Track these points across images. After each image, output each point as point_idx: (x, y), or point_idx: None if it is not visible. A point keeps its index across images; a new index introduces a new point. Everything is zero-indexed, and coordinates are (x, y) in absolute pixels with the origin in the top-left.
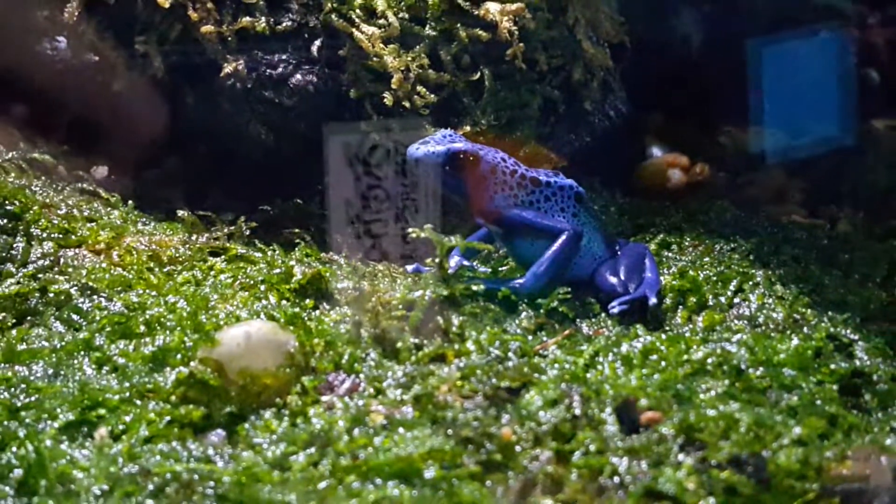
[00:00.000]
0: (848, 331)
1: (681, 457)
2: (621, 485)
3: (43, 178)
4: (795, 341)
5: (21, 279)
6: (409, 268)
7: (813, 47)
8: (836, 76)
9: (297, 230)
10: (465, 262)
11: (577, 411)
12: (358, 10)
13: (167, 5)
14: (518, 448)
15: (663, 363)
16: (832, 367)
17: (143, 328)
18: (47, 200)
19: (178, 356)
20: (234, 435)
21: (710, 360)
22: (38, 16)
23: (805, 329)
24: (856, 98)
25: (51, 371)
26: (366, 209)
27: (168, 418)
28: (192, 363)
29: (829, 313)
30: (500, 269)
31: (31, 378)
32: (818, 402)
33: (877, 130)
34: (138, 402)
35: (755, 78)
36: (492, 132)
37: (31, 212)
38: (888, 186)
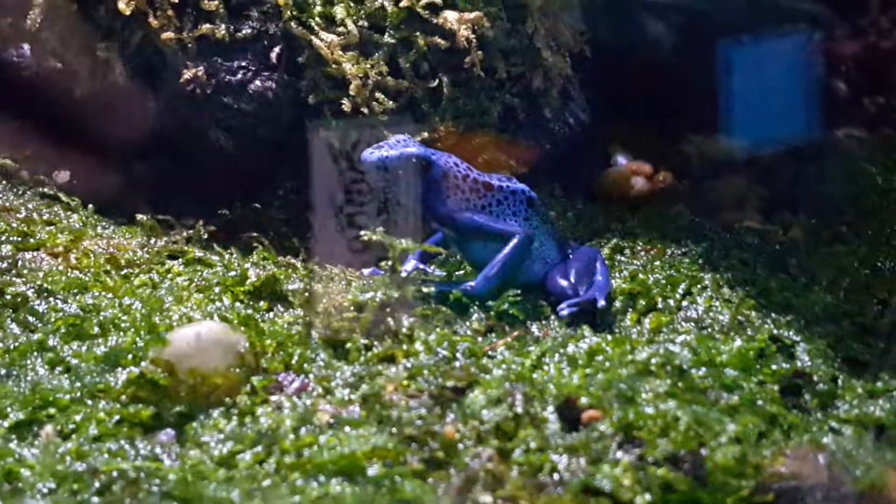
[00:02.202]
0: (791, 332)
1: (619, 454)
2: (560, 481)
3: (4, 182)
4: (738, 342)
5: None
6: (366, 271)
7: (776, 56)
8: (799, 85)
9: (255, 234)
10: (421, 266)
11: (520, 410)
12: (317, 18)
13: (128, 13)
14: (461, 446)
15: (607, 363)
16: (774, 367)
17: (96, 329)
18: (7, 204)
19: (130, 357)
20: (183, 434)
21: (653, 361)
22: (3, 23)
23: (749, 331)
24: (819, 107)
25: (3, 371)
26: (349, 203)
27: (117, 418)
28: (142, 363)
29: (774, 316)
30: (456, 272)
31: None
32: (759, 401)
33: (837, 139)
34: (89, 402)
35: (718, 87)
36: (451, 139)
37: None
38: (842, 193)
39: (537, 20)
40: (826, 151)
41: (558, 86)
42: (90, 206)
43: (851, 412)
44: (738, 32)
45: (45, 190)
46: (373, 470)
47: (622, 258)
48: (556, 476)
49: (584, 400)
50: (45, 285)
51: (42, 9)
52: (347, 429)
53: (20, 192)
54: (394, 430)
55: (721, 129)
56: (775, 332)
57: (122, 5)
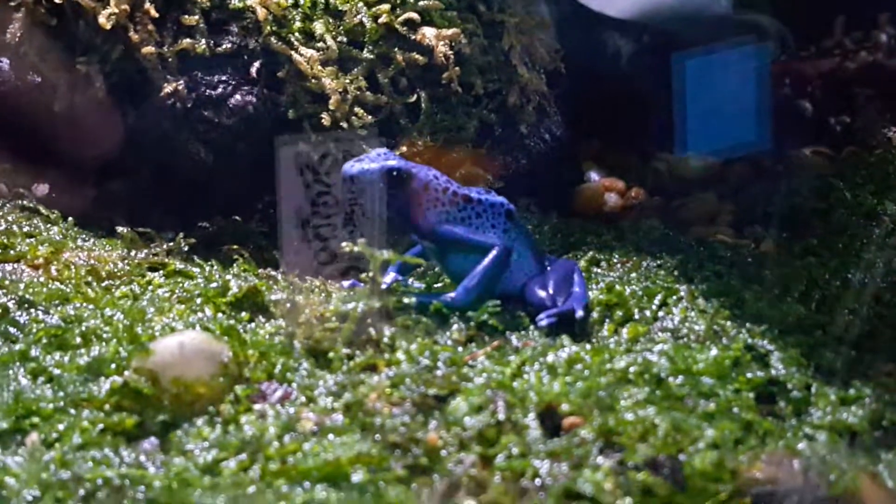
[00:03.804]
0: (765, 342)
1: (600, 459)
2: (542, 487)
3: None
4: (714, 351)
5: None
6: (346, 283)
7: (743, 75)
8: (766, 103)
9: (235, 247)
10: (400, 278)
11: (502, 417)
12: (297, 34)
13: (109, 27)
14: (444, 452)
15: (587, 372)
16: (749, 375)
17: (79, 340)
18: None
19: (113, 366)
20: (167, 442)
21: (632, 369)
22: None
23: (724, 340)
24: (786, 125)
25: None
26: (315, 215)
27: (101, 426)
28: (126, 373)
29: (748, 325)
30: (434, 284)
31: None
32: (735, 408)
33: (805, 157)
34: (72, 411)
35: (688, 105)
36: (429, 153)
37: None
38: (812, 209)
39: (513, 37)
40: (794, 168)
41: (534, 102)
42: (70, 218)
43: (825, 419)
44: (708, 52)
45: (25, 203)
46: (357, 476)
47: (599, 270)
48: (538, 481)
49: (564, 407)
50: (27, 296)
51: (22, 23)
52: (331, 436)
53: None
54: (377, 437)
55: (691, 147)
56: (750, 341)
57: (102, 20)
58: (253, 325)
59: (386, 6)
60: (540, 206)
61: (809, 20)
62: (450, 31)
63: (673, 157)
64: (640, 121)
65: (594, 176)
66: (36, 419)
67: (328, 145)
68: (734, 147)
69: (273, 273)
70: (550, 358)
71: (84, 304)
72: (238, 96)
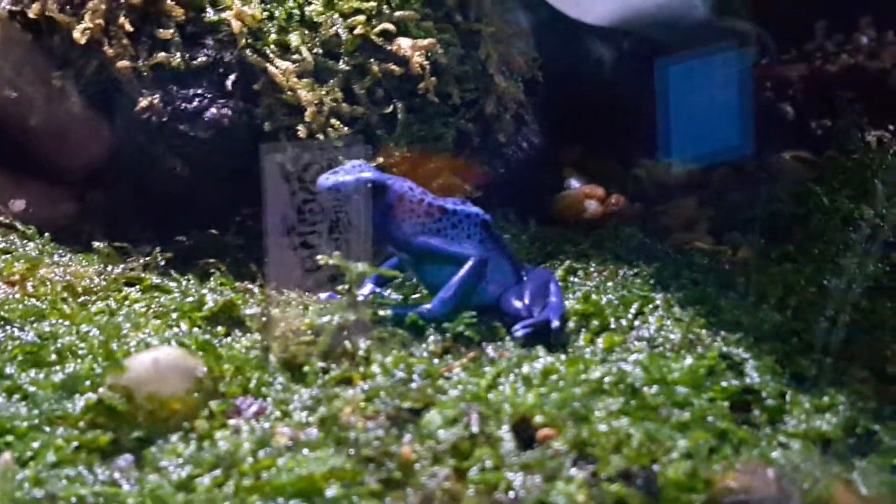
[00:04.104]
0: (740, 350)
1: (573, 471)
2: (516, 499)
3: None
4: (689, 360)
5: None
6: (323, 296)
7: (723, 81)
8: (746, 108)
9: (212, 260)
10: (378, 290)
11: (475, 429)
12: (272, 46)
13: (83, 41)
14: (417, 466)
15: (561, 383)
16: (723, 384)
17: (54, 357)
18: None
19: (88, 383)
20: (141, 459)
21: (606, 380)
22: None
23: (699, 349)
24: (766, 130)
25: None
26: (301, 223)
27: (76, 444)
28: (100, 389)
29: (724, 334)
30: (412, 296)
31: None
32: (709, 418)
33: (785, 161)
34: (47, 429)
35: (668, 111)
36: (406, 163)
37: None
38: (790, 214)
39: (490, 46)
40: (774, 173)
41: (511, 111)
42: (46, 234)
43: (799, 427)
44: (690, 58)
45: (1, 219)
46: (331, 491)
47: (575, 279)
48: (511, 494)
49: (538, 418)
50: (2, 313)
51: None
52: (305, 451)
53: None
54: (351, 451)
55: (670, 153)
56: (725, 349)
57: (77, 34)
58: (229, 339)
59: (362, 17)
60: (519, 215)
61: (790, 23)
62: (426, 42)
63: (653, 163)
64: (621, 127)
65: (574, 183)
66: (10, 437)
67: (314, 153)
68: (717, 152)
69: (250, 286)
70: (525, 369)
71: (60, 321)
72: (214, 109)
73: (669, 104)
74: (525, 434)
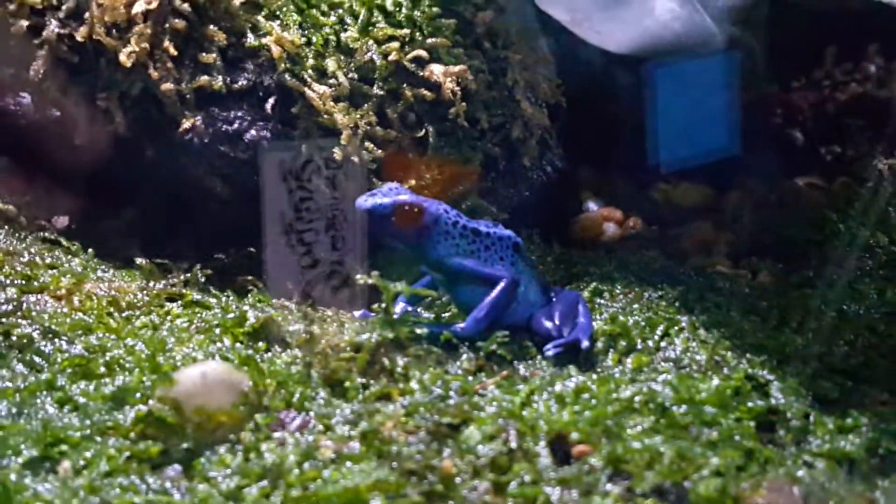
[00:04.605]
0: (765, 372)
1: (609, 486)
2: None
3: (6, 227)
4: (716, 381)
5: None
6: (357, 314)
7: (701, 76)
8: (724, 105)
9: (249, 277)
10: (410, 308)
11: (514, 445)
12: (310, 71)
13: (129, 64)
14: (458, 479)
15: (594, 401)
16: (749, 405)
17: (103, 369)
18: (10, 248)
19: (137, 395)
20: (191, 469)
21: (637, 399)
22: (4, 73)
23: (725, 370)
24: (779, 156)
25: (14, 410)
26: (298, 220)
27: (127, 454)
28: (150, 402)
29: (748, 356)
30: (443, 314)
31: None
32: (736, 437)
33: (799, 188)
34: (98, 439)
35: (658, 114)
36: (436, 186)
37: None
38: (806, 240)
39: (517, 73)
40: (788, 199)
41: (536, 135)
42: (90, 250)
43: (823, 447)
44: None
45: (46, 234)
46: (375, 502)
47: (602, 301)
48: None
49: (574, 435)
50: (51, 327)
51: (44, 60)
52: (349, 463)
53: (21, 237)
54: (394, 464)
55: (687, 177)
56: (750, 371)
57: (123, 57)
58: (269, 354)
59: (395, 44)
60: (542, 236)
61: (800, 51)
62: (457, 68)
63: (669, 186)
64: (637, 151)
65: (592, 206)
66: (64, 447)
67: (311, 152)
68: (705, 154)
69: (287, 303)
70: (558, 387)
71: (106, 334)
72: (253, 131)
73: (659, 108)
74: (561, 450)
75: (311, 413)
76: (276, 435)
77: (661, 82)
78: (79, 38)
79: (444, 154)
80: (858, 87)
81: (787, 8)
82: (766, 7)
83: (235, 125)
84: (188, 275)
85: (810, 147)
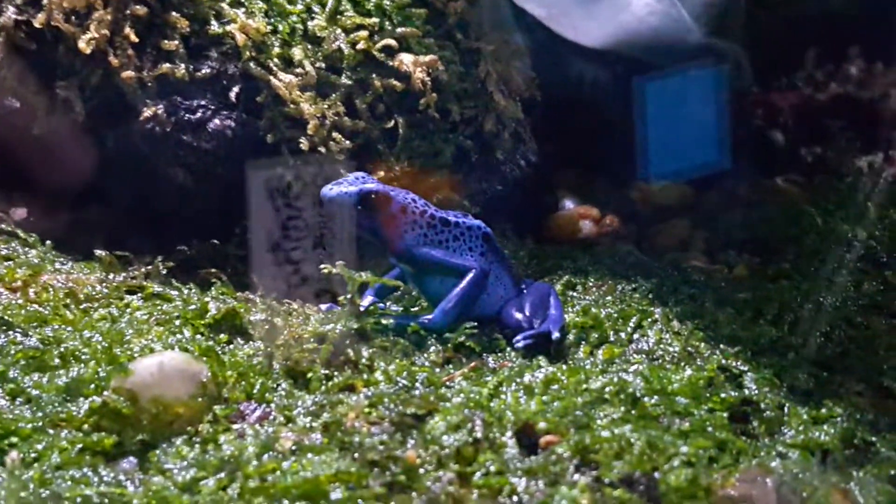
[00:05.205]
0: (738, 363)
1: (576, 476)
2: (520, 503)
3: None
4: (689, 372)
5: None
6: (324, 306)
7: (691, 89)
8: (714, 117)
9: (213, 270)
10: (378, 301)
11: (479, 435)
12: (276, 59)
13: (88, 51)
14: (422, 470)
15: (563, 392)
16: (722, 395)
17: (57, 361)
18: None
19: (92, 387)
20: (146, 462)
21: (607, 389)
22: None
23: (698, 361)
24: (757, 154)
25: None
26: (286, 239)
27: (80, 446)
28: (105, 393)
29: (722, 347)
30: (412, 308)
31: None
32: (709, 427)
33: (778, 185)
34: (51, 431)
35: (648, 128)
36: (406, 177)
37: None
38: (783, 235)
39: (489, 65)
40: (767, 196)
41: (510, 129)
42: (48, 242)
43: (797, 437)
44: (667, 75)
45: (3, 226)
46: (336, 494)
47: (574, 294)
48: (515, 498)
49: (541, 425)
50: (5, 318)
51: (1, 48)
52: (310, 455)
53: None
54: (356, 455)
55: (665, 176)
56: (724, 362)
57: (82, 44)
58: (231, 346)
59: (364, 33)
60: (516, 232)
61: (780, 52)
62: (427, 58)
63: (647, 185)
64: (615, 149)
65: (569, 203)
66: (14, 439)
67: (299, 169)
68: (695, 168)
69: (251, 296)
70: (527, 378)
71: (62, 326)
72: (217, 121)
73: (649, 121)
74: (528, 441)
75: (272, 404)
76: (236, 426)
77: (651, 96)
78: (37, 24)
79: (413, 146)
80: (839, 87)
81: (768, 10)
82: (745, 5)
83: (198, 114)
84: (149, 267)
85: (791, 148)
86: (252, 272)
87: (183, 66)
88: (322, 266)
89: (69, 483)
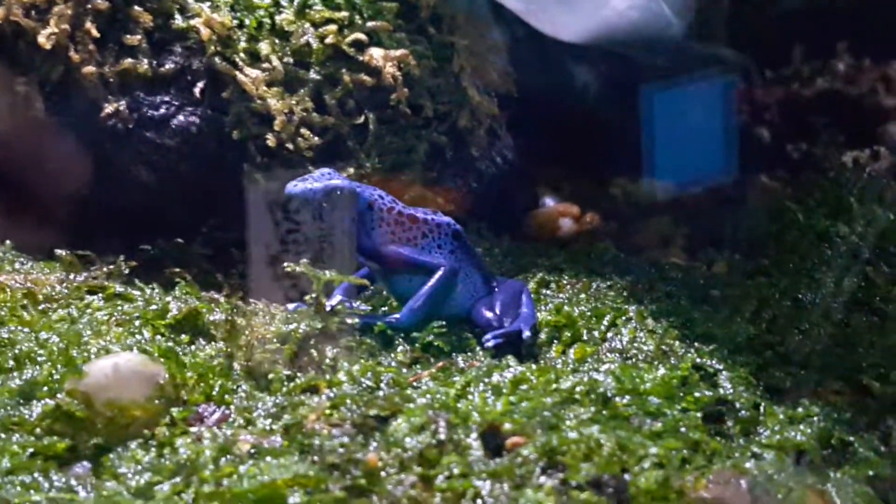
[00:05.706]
0: (714, 361)
1: (542, 479)
2: None
3: None
4: (662, 371)
5: None
6: (291, 306)
7: (701, 101)
8: (722, 130)
9: (177, 269)
10: (346, 300)
11: (443, 437)
12: (242, 54)
13: (49, 47)
14: (383, 473)
15: (532, 392)
16: (696, 395)
17: (11, 363)
18: None
19: (46, 389)
20: (99, 466)
21: (577, 389)
22: None
23: (672, 360)
24: (742, 151)
25: None
26: (284, 253)
27: (31, 451)
28: (58, 395)
29: (697, 345)
30: (381, 308)
31: None
32: (682, 428)
33: (762, 182)
34: (2, 436)
35: (644, 131)
36: (377, 175)
37: None
38: (765, 230)
39: (463, 59)
40: (750, 193)
41: (485, 125)
42: (7, 241)
43: (773, 437)
44: (675, 85)
45: None
46: (294, 498)
47: (548, 292)
48: (479, 502)
49: (507, 426)
50: None
51: None
52: (268, 458)
53: None
54: (316, 458)
55: (646, 173)
56: (698, 360)
57: (42, 39)
58: (193, 347)
59: (333, 27)
60: (492, 230)
61: (767, 48)
62: (398, 52)
63: (628, 182)
64: (596, 146)
65: (549, 201)
66: None
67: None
68: (702, 177)
69: (216, 296)
70: (495, 378)
71: (19, 328)
72: (181, 117)
73: (656, 130)
74: (494, 442)
75: (232, 406)
76: (193, 429)
77: (658, 108)
78: None
79: (385, 143)
80: (826, 83)
81: (752, 4)
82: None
83: (162, 110)
84: (112, 267)
85: (776, 144)
86: (251, 285)
87: (146, 61)
88: (286, 265)
89: (18, 489)
